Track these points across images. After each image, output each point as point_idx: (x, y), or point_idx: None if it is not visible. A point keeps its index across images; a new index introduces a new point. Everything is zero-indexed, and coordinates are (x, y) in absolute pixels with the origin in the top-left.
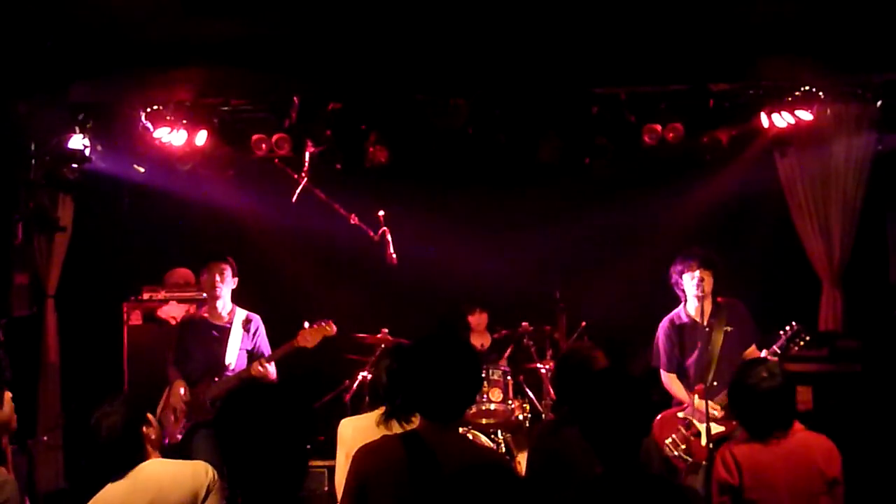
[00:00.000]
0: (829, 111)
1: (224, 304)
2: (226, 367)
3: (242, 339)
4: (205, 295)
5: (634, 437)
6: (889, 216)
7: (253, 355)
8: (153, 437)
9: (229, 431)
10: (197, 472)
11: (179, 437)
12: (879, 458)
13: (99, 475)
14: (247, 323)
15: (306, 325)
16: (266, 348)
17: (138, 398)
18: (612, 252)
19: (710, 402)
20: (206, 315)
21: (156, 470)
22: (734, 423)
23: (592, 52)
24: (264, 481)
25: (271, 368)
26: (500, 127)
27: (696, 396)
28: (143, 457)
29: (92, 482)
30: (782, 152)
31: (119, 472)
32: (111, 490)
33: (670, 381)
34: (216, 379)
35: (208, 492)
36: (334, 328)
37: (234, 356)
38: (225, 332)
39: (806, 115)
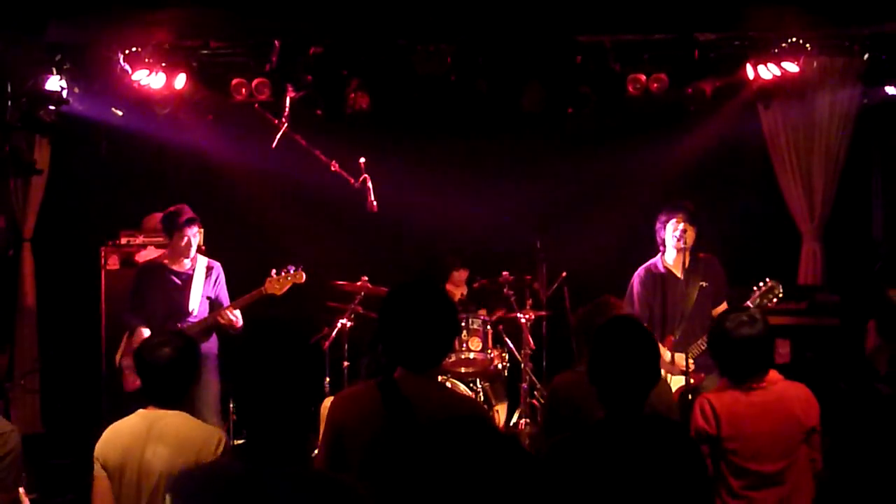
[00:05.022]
0: (815, 63)
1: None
2: (189, 314)
3: (204, 285)
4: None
5: (641, 385)
6: (874, 170)
7: (213, 303)
8: None
9: (242, 370)
10: (207, 444)
11: (139, 383)
12: (855, 410)
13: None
14: (209, 270)
15: (274, 272)
16: (225, 296)
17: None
18: (593, 202)
19: (679, 354)
20: (166, 262)
21: (173, 424)
22: (702, 375)
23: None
24: (274, 425)
25: (238, 315)
26: (482, 74)
27: (665, 348)
28: (185, 394)
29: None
30: (766, 104)
31: (165, 401)
32: (126, 428)
33: None
34: (179, 326)
35: None
36: (303, 276)
37: (196, 303)
38: (187, 278)
39: (792, 67)
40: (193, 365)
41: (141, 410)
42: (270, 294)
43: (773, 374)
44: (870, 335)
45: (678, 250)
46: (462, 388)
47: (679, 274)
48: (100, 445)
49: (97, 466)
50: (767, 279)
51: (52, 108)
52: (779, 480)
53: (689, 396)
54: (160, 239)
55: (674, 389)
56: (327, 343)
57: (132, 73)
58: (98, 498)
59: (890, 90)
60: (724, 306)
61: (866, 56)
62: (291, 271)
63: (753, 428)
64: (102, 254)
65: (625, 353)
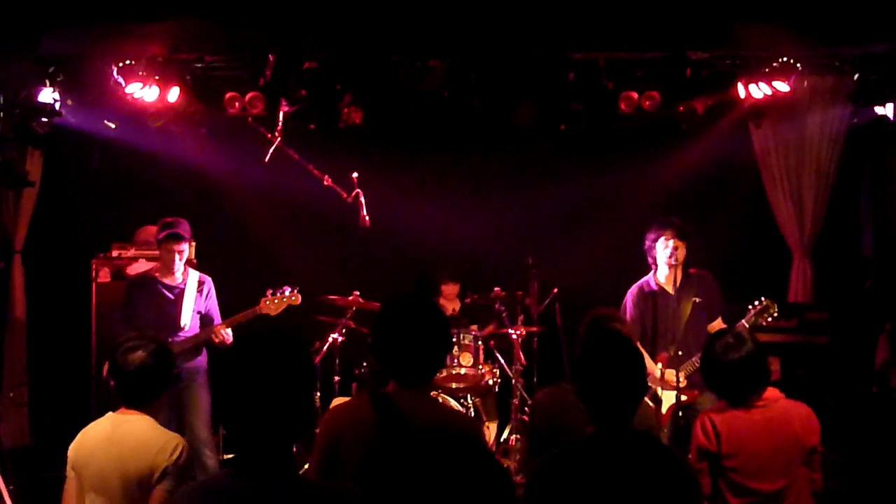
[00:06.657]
0: (805, 83)
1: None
2: (180, 328)
3: (196, 300)
4: None
5: (629, 399)
6: (864, 189)
7: (204, 318)
8: None
9: (228, 382)
10: (163, 450)
11: None
12: (846, 428)
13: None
14: (200, 285)
15: (269, 292)
16: (216, 311)
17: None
18: (585, 218)
19: (670, 370)
20: (157, 275)
21: (135, 428)
22: (696, 392)
23: (570, 17)
24: (265, 433)
25: (229, 333)
26: (475, 90)
27: (660, 365)
28: (158, 395)
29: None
30: (757, 123)
31: (138, 402)
32: (95, 430)
33: None
34: (170, 340)
35: (164, 474)
36: (299, 298)
37: (188, 317)
38: (179, 292)
39: (783, 87)
40: (167, 368)
41: (111, 413)
42: (265, 314)
43: (773, 392)
44: (880, 350)
45: (670, 267)
46: (453, 403)
47: (671, 291)
48: (72, 446)
49: (68, 467)
50: (763, 298)
51: (44, 120)
52: (778, 499)
53: (680, 413)
54: (152, 252)
55: (665, 406)
56: (318, 358)
57: (125, 85)
58: (66, 497)
59: (879, 110)
60: (718, 322)
61: (857, 76)
62: (287, 293)
63: (754, 446)
64: (94, 266)
65: (611, 367)
